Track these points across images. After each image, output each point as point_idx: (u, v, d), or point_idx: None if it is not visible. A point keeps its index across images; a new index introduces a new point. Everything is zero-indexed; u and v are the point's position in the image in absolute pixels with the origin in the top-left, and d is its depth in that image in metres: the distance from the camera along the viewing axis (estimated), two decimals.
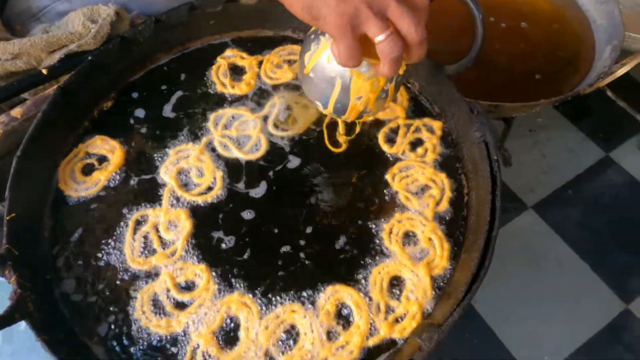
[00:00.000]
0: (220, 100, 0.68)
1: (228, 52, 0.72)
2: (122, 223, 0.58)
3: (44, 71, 0.64)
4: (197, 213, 0.59)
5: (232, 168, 0.63)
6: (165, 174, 0.62)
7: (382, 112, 0.66)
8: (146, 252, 0.56)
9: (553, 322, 1.15)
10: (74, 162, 0.62)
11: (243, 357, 0.50)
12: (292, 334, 0.51)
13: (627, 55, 0.94)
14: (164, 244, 0.57)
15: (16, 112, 0.60)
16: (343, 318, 0.52)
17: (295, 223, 0.58)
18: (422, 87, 0.69)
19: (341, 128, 0.64)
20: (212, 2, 0.69)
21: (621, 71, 0.80)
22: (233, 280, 0.54)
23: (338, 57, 0.44)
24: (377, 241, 0.57)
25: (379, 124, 0.66)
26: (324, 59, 0.50)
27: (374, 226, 0.58)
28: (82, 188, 0.61)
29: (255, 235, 0.57)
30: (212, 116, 0.67)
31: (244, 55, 0.72)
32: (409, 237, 0.57)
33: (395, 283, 0.54)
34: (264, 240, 0.57)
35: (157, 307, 0.53)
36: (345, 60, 0.44)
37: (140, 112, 0.67)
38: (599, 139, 1.45)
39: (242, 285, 0.54)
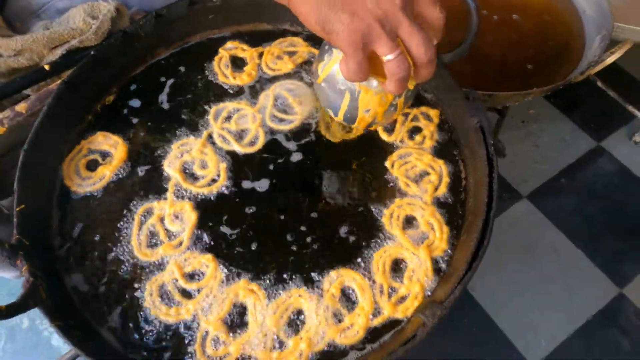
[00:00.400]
0: (221, 93, 0.70)
1: (229, 44, 0.73)
2: (128, 216, 0.59)
3: (46, 67, 0.64)
4: (202, 204, 0.60)
5: (235, 160, 0.64)
6: (169, 167, 0.63)
7: None
8: (153, 243, 0.57)
9: (549, 307, 1.18)
10: (77, 158, 0.63)
11: (252, 341, 0.51)
12: (299, 317, 0.53)
13: (616, 45, 0.97)
14: (170, 235, 0.58)
15: (21, 107, 0.61)
16: (348, 300, 0.54)
17: (299, 211, 0.60)
18: None
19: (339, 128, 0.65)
20: None
21: (610, 59, 0.82)
22: (239, 268, 0.56)
23: (346, 72, 0.44)
24: (379, 225, 0.59)
25: None
26: (335, 71, 0.51)
27: (375, 211, 0.60)
28: (87, 184, 0.61)
29: (259, 224, 0.59)
30: (212, 109, 0.68)
31: (245, 47, 0.73)
32: (409, 221, 0.59)
33: (397, 265, 0.56)
34: (268, 228, 0.58)
35: (165, 296, 0.54)
36: (352, 76, 0.44)
37: (140, 106, 0.68)
38: (590, 129, 1.48)
39: (248, 272, 0.55)
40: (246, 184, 0.62)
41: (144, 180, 0.62)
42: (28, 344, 1.13)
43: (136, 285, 0.54)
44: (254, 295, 0.54)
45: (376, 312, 0.53)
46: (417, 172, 0.63)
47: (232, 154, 0.64)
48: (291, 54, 0.73)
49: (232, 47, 0.73)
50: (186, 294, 0.54)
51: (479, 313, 1.17)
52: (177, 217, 0.59)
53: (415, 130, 0.66)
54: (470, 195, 0.60)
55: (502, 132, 1.40)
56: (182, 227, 0.58)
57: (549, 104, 1.54)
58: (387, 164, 0.63)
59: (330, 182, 0.62)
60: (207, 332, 0.52)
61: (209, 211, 0.59)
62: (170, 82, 0.70)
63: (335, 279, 0.55)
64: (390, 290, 0.54)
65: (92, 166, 0.63)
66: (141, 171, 0.63)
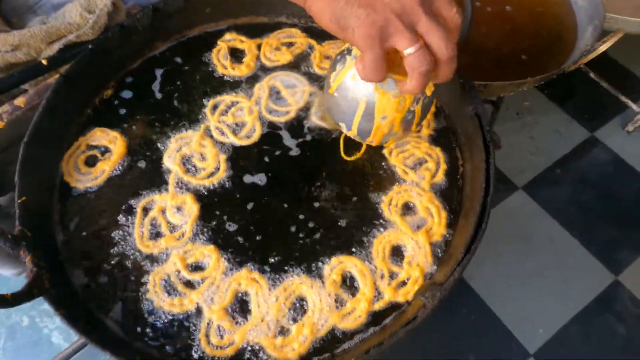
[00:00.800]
0: (218, 86, 0.70)
1: (227, 36, 0.74)
2: (130, 209, 0.59)
3: (44, 62, 0.65)
4: (203, 196, 0.60)
5: (234, 152, 0.64)
6: (169, 160, 0.63)
7: None
8: (155, 235, 0.58)
9: (546, 296, 1.19)
10: (76, 155, 0.63)
11: (255, 329, 0.52)
12: (301, 304, 0.53)
13: (608, 35, 0.98)
14: (172, 227, 0.58)
15: (20, 101, 0.61)
16: (349, 286, 0.54)
17: (299, 200, 0.60)
18: None
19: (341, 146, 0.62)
20: None
21: (602, 48, 0.84)
22: (241, 257, 0.56)
23: (363, 71, 0.42)
24: (378, 212, 0.59)
25: None
26: (349, 78, 0.49)
27: (374, 198, 0.60)
28: (87, 179, 0.61)
29: (260, 214, 0.59)
30: (210, 102, 0.68)
31: (243, 38, 0.73)
32: (408, 208, 0.60)
33: (397, 251, 0.57)
34: (269, 218, 0.59)
35: (169, 287, 0.54)
36: (370, 74, 0.42)
37: (138, 100, 0.68)
38: (584, 120, 1.50)
39: (250, 261, 0.56)
40: (246, 176, 0.62)
41: (144, 174, 0.62)
42: (28, 342, 1.13)
43: (139, 277, 0.55)
44: (256, 284, 0.54)
45: (377, 296, 0.54)
46: (414, 159, 0.63)
47: (229, 147, 0.65)
48: (289, 45, 0.74)
49: (231, 39, 0.74)
50: (189, 285, 0.54)
51: (477, 303, 1.18)
52: (178, 209, 0.60)
53: None
54: (467, 182, 0.61)
55: (498, 124, 1.42)
56: (184, 219, 0.59)
57: (544, 95, 1.55)
58: (385, 152, 0.64)
59: (329, 172, 0.63)
60: (211, 322, 0.52)
61: (211, 203, 0.60)
62: (167, 75, 0.70)
63: (336, 265, 0.56)
64: (390, 275, 0.55)
65: (91, 162, 0.63)
66: (141, 165, 0.63)
